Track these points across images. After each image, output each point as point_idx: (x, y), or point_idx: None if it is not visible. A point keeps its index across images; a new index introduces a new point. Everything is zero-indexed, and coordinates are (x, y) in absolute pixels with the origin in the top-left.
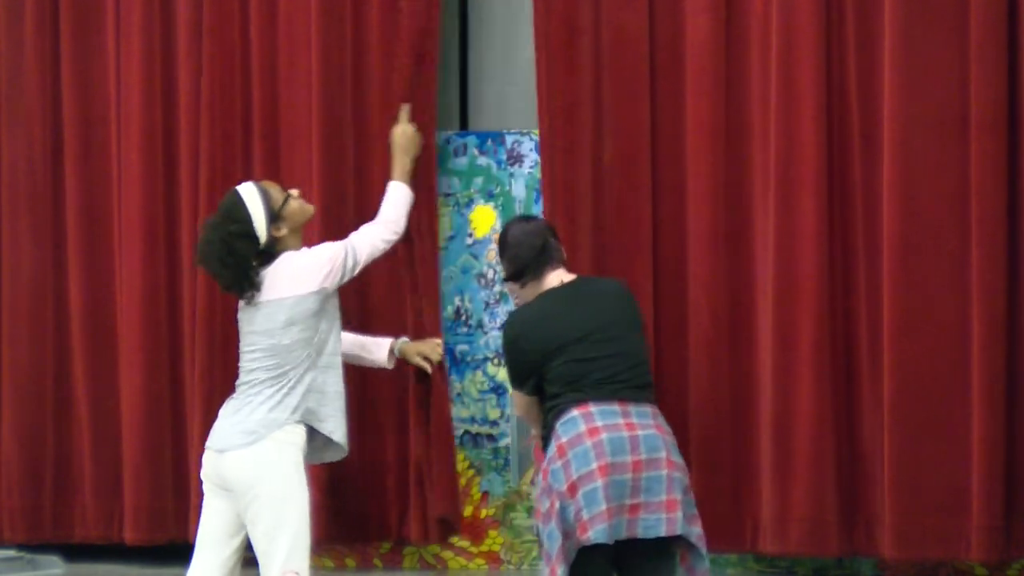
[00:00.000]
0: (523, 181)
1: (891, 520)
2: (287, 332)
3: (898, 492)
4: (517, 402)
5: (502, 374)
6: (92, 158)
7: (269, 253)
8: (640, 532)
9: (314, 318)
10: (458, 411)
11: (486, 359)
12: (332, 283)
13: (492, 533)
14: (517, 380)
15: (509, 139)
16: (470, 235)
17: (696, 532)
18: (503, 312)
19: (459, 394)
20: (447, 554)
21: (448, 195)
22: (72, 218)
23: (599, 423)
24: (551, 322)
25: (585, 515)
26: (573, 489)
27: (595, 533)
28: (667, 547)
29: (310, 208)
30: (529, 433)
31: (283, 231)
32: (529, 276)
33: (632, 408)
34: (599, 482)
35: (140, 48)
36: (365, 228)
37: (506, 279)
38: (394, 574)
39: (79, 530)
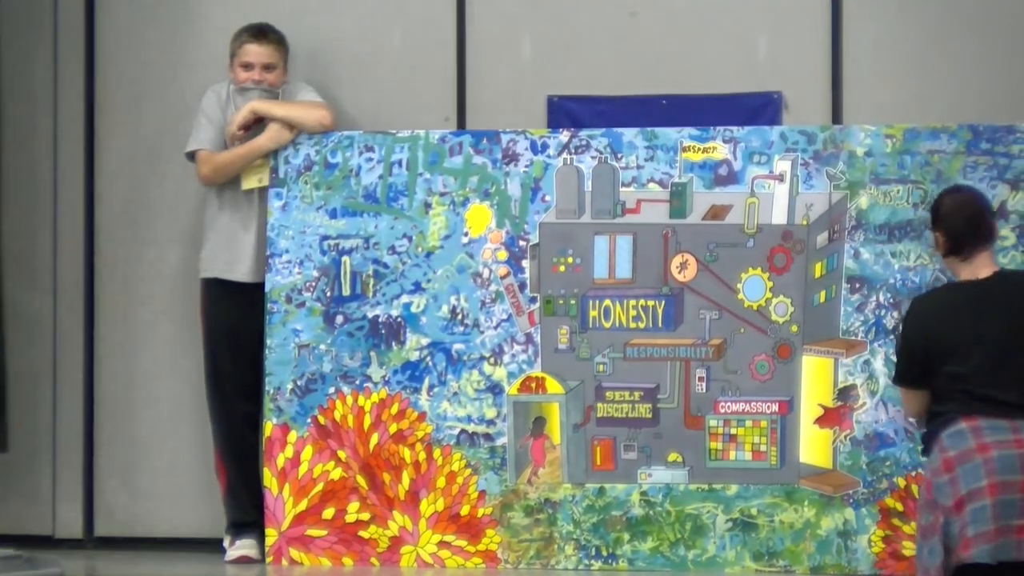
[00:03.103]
0: (518, 180)
1: None
2: None
3: None
4: (903, 399)
5: (498, 373)
6: None
7: None
8: None
9: None
10: (455, 410)
11: (482, 358)
12: None
13: (489, 532)
14: (902, 369)
15: (504, 138)
16: (465, 234)
17: None
18: (499, 311)
19: (456, 393)
20: (444, 553)
21: (443, 194)
22: None
23: (988, 439)
24: (951, 321)
25: (970, 532)
26: (960, 505)
27: (978, 552)
28: None
29: None
30: (526, 432)
31: None
32: (967, 251)
33: (1021, 424)
34: (988, 500)
35: None
36: None
37: (945, 255)
38: (392, 573)
39: None
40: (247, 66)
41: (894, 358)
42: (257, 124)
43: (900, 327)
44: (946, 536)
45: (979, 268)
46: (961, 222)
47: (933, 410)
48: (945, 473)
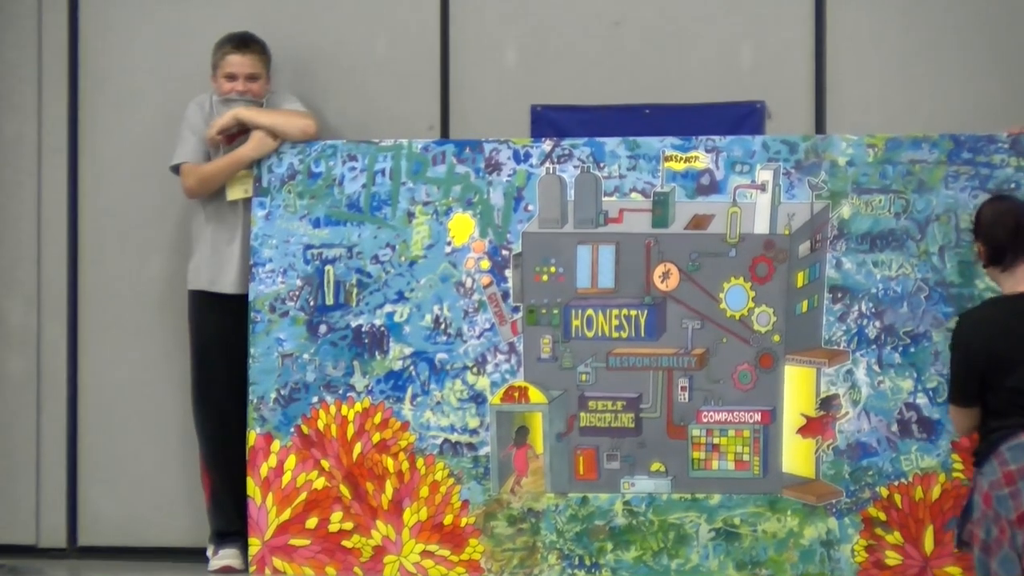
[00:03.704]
0: (501, 189)
1: None
2: None
3: None
4: (954, 419)
5: (481, 383)
6: None
7: None
8: None
9: None
10: (438, 420)
11: (465, 368)
12: None
13: (472, 542)
14: (957, 388)
15: (487, 147)
16: (448, 243)
17: None
18: (482, 320)
19: (439, 403)
20: (427, 563)
21: (426, 203)
22: None
23: None
24: (1003, 333)
25: None
26: (1023, 519)
27: None
28: None
29: None
30: (509, 441)
31: None
32: (1008, 261)
33: None
34: None
35: None
36: None
37: (985, 265)
38: None
39: None
40: (230, 77)
41: (877, 367)
42: (241, 135)
43: (950, 348)
44: (1013, 549)
45: (1022, 279)
46: (1002, 232)
47: (991, 425)
48: (1007, 486)
